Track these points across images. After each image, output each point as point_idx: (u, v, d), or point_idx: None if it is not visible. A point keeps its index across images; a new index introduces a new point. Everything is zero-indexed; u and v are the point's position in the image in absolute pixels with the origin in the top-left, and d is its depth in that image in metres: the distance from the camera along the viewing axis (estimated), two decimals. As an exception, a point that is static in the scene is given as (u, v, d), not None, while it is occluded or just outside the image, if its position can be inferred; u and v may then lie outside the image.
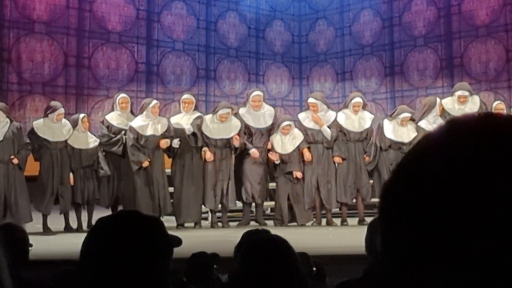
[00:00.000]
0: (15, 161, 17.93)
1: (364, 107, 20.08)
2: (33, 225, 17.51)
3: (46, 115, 18.73)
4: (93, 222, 14.30)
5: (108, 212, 16.21)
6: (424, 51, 24.84)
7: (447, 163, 1.43)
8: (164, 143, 19.25)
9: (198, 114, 19.53)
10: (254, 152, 19.10)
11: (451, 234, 1.38)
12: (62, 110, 18.75)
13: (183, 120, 19.17)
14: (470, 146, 1.44)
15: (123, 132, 19.10)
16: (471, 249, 1.36)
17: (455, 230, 1.38)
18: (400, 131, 18.67)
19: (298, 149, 19.44)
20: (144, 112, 19.48)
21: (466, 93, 19.45)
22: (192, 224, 19.36)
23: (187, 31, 24.60)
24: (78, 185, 18.38)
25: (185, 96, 19.93)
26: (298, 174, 19.06)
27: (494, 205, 1.36)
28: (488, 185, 1.38)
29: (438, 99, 20.10)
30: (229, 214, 19.88)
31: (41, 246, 13.91)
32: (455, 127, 1.51)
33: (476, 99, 19.37)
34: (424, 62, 24.70)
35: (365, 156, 19.58)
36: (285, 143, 19.39)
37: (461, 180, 1.39)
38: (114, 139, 18.89)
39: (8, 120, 18.09)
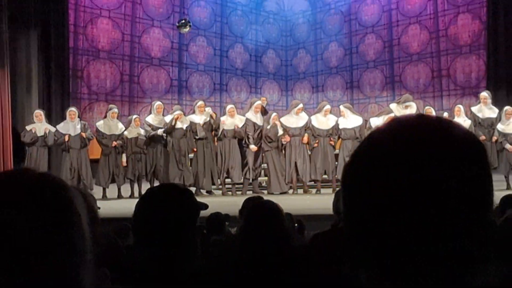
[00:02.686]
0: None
1: (330, 111, 19.12)
2: (94, 194, 17.04)
3: (105, 116, 18.43)
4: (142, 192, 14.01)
5: (149, 185, 17.23)
6: (374, 71, 24.56)
7: (388, 150, 1.47)
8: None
9: (208, 114, 18.83)
10: (253, 147, 18.43)
11: (387, 201, 1.42)
12: (115, 110, 18.46)
13: (199, 118, 18.47)
14: (406, 136, 1.47)
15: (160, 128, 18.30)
16: (399, 213, 1.41)
17: (389, 199, 1.43)
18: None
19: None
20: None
21: (410, 103, 18.75)
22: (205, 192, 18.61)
23: (207, 57, 24.46)
24: (130, 166, 18.03)
25: (200, 102, 19.06)
26: (287, 138, 18.36)
27: (422, 181, 1.41)
28: (418, 167, 1.43)
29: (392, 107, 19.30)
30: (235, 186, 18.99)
31: (102, 209, 14.43)
32: (396, 123, 1.55)
33: (414, 106, 18.81)
34: (374, 79, 24.53)
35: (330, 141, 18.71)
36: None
37: (399, 163, 1.43)
38: (153, 133, 18.22)
39: (79, 119, 17.84)
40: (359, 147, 1.55)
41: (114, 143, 18.01)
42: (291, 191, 18.61)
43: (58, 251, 1.52)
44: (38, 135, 17.51)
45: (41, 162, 17.41)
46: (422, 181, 1.42)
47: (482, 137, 17.53)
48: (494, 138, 17.96)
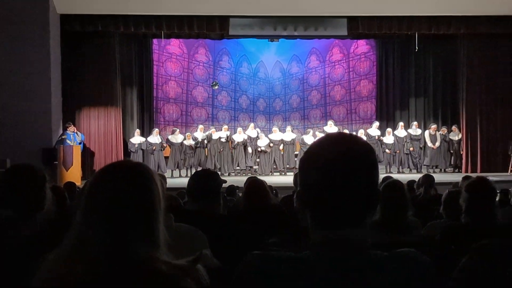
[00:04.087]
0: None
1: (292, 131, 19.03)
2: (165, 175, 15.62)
3: (172, 133, 18.19)
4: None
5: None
6: (316, 110, 23.66)
7: (318, 153, 1.45)
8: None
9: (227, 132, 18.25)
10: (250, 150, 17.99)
11: (316, 178, 1.42)
12: (177, 130, 18.25)
13: (223, 133, 18.06)
14: (329, 146, 1.44)
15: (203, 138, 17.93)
16: (321, 184, 1.41)
17: (317, 177, 1.42)
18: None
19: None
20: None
21: (331, 123, 18.36)
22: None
23: (227, 102, 22.95)
24: (187, 159, 17.79)
25: (224, 126, 18.94)
26: (268, 149, 17.70)
27: (334, 167, 1.40)
28: (332, 158, 1.41)
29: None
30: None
31: (170, 182, 14.31)
32: (326, 136, 1.49)
33: (334, 127, 18.14)
34: (315, 114, 23.46)
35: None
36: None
37: (324, 162, 1.41)
38: (198, 141, 17.78)
39: (158, 136, 17.77)
40: (306, 149, 1.51)
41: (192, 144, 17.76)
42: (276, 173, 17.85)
43: (146, 204, 1.57)
44: (135, 143, 17.56)
45: (138, 157, 17.14)
46: (334, 167, 1.41)
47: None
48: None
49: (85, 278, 1.46)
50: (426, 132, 18.01)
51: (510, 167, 16.93)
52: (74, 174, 14.34)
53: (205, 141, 18.10)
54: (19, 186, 2.45)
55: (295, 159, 18.02)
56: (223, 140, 18.14)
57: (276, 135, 18.48)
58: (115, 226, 1.52)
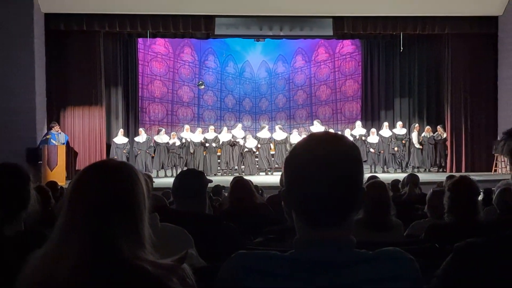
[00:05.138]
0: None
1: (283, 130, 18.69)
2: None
3: (158, 133, 18.21)
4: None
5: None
6: (302, 110, 23.66)
7: (302, 152, 1.44)
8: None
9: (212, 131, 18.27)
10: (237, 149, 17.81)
11: (301, 177, 1.41)
12: (163, 130, 18.27)
13: (210, 135, 17.98)
14: (314, 145, 1.44)
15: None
16: (305, 182, 1.41)
17: (301, 176, 1.42)
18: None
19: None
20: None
21: (317, 124, 18.39)
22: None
23: (213, 102, 22.97)
24: (172, 159, 17.69)
25: (211, 127, 18.82)
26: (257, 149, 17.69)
27: (319, 164, 1.39)
28: (321, 165, 1.40)
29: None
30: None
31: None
32: (310, 136, 1.50)
33: (319, 126, 18.11)
34: (301, 114, 23.62)
35: None
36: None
37: (308, 161, 1.40)
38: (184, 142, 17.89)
39: (145, 135, 17.79)
40: (291, 149, 1.51)
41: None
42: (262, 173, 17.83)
43: (130, 203, 1.56)
44: (119, 143, 17.43)
45: (122, 158, 16.19)
46: (319, 166, 1.40)
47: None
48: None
49: (70, 279, 1.44)
50: (414, 134, 18.08)
51: (494, 166, 17.09)
52: (58, 174, 14.28)
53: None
54: (2, 185, 2.42)
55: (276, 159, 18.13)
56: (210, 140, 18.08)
57: (265, 133, 18.48)
58: (98, 226, 1.51)
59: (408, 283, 1.43)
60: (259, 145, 17.99)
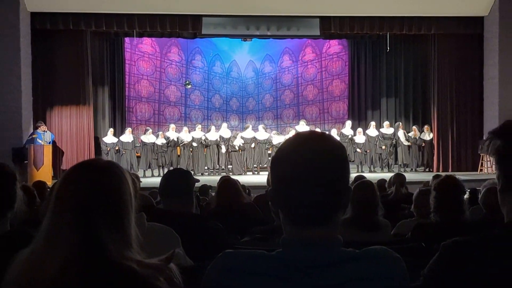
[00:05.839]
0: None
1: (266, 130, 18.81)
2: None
3: (144, 132, 18.21)
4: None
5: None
6: (289, 109, 23.87)
7: (289, 151, 1.43)
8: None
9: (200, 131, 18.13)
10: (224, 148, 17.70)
11: (287, 177, 1.41)
12: (150, 130, 18.24)
13: (198, 134, 17.90)
14: (300, 144, 1.44)
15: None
16: (291, 182, 1.40)
17: (287, 175, 1.41)
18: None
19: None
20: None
21: (303, 124, 18.14)
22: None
23: (200, 101, 22.95)
24: (159, 158, 17.61)
25: (198, 126, 18.80)
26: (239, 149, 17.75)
27: (305, 164, 1.39)
28: (307, 164, 1.39)
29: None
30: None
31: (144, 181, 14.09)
32: (297, 135, 1.50)
33: (304, 126, 18.11)
34: (288, 113, 23.81)
35: None
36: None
37: (295, 160, 1.40)
38: (171, 140, 17.70)
39: (131, 135, 17.67)
40: (278, 148, 1.51)
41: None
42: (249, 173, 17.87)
43: (117, 203, 1.55)
44: (108, 142, 17.34)
45: (109, 158, 16.49)
46: (306, 165, 1.41)
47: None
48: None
49: (56, 279, 1.43)
50: (400, 132, 18.11)
51: (480, 166, 17.20)
52: (45, 173, 14.20)
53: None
54: (-12, 185, 2.36)
55: (269, 158, 17.85)
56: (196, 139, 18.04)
57: (248, 133, 18.49)
58: (85, 226, 1.49)
59: (395, 282, 1.43)
60: (241, 144, 17.99)
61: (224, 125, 19.11)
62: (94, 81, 17.92)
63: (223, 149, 17.99)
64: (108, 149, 17.43)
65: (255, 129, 19.29)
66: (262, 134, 18.50)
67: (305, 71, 23.81)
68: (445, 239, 1.63)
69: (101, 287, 1.45)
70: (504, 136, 1.60)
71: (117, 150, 17.55)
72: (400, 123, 18.69)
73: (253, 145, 18.06)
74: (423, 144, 18.00)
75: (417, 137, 18.05)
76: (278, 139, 17.82)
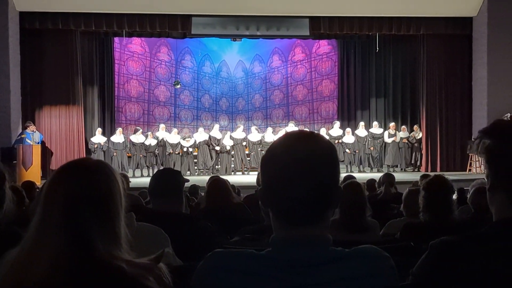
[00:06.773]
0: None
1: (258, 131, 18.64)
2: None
3: (134, 132, 18.12)
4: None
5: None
6: (278, 109, 23.91)
7: (279, 151, 1.43)
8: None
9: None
10: (218, 148, 17.65)
11: (277, 175, 1.41)
12: (140, 129, 18.25)
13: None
14: (290, 144, 1.44)
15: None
16: (281, 181, 1.39)
17: (277, 174, 1.40)
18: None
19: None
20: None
21: (292, 124, 18.57)
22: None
23: (189, 101, 22.85)
24: (147, 159, 17.60)
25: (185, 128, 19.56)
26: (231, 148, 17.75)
27: (295, 163, 1.37)
28: (297, 164, 1.39)
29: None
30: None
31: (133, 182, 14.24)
32: (286, 135, 1.49)
33: (293, 126, 18.51)
34: (277, 113, 23.81)
35: None
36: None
37: (285, 160, 1.40)
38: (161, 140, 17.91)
39: (122, 135, 17.64)
40: (268, 148, 1.51)
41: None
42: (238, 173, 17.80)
43: (106, 202, 1.54)
44: (96, 142, 17.31)
45: (99, 157, 16.13)
46: (295, 164, 1.40)
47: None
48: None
49: (45, 279, 1.42)
50: (386, 132, 18.16)
51: (468, 166, 17.23)
52: (34, 173, 14.13)
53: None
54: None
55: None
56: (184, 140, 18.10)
57: (239, 133, 18.47)
58: (74, 225, 1.49)
59: (384, 281, 1.44)
60: (231, 144, 18.00)
61: (216, 126, 19.08)
62: (84, 81, 17.86)
63: (217, 148, 17.94)
64: (96, 146, 17.39)
65: (247, 129, 19.32)
66: (255, 135, 18.50)
67: (294, 71, 23.89)
68: (434, 238, 1.64)
69: (90, 287, 1.45)
70: (493, 135, 1.61)
71: (104, 150, 17.51)
72: (393, 123, 18.66)
73: (244, 143, 18.07)
74: (415, 142, 18.09)
75: (409, 135, 18.15)
76: (271, 137, 17.73)
